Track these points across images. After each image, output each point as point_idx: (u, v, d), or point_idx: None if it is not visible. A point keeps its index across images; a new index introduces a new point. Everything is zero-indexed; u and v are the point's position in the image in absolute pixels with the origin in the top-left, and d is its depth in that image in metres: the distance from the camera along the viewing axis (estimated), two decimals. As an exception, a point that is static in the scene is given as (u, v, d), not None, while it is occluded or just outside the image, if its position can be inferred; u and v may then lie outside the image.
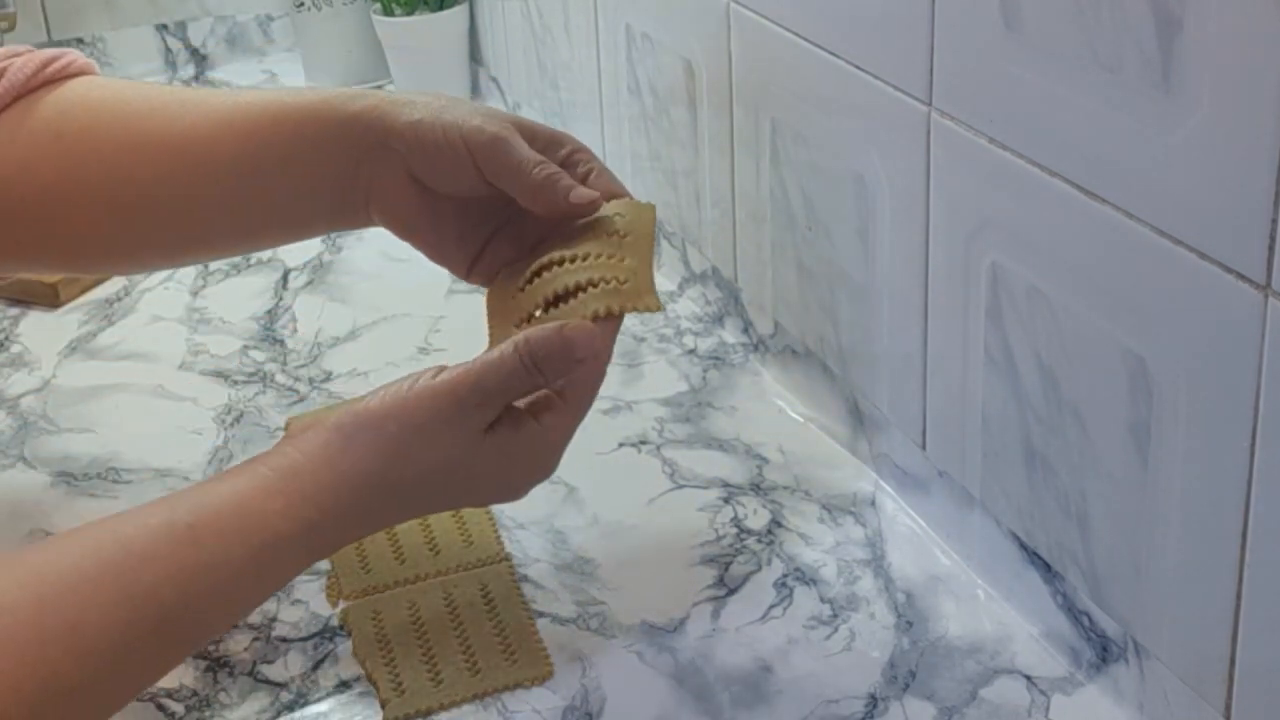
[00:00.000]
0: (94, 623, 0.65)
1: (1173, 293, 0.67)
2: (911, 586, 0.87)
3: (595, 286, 0.79)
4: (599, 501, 0.95)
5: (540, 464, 0.78)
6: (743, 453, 0.99)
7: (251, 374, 1.10)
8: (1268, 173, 0.60)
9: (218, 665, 0.83)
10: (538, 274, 0.81)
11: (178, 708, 0.81)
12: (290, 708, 0.80)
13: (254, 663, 0.83)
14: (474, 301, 1.17)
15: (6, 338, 1.17)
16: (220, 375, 1.11)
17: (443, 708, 0.80)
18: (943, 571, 0.88)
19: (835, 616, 0.85)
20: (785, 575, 0.88)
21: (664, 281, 1.20)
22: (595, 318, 0.77)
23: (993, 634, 0.83)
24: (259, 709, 0.81)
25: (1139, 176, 0.67)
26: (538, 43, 1.38)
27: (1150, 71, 0.65)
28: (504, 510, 0.94)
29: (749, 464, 0.98)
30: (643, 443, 1.00)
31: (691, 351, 1.11)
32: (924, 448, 0.90)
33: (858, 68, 0.88)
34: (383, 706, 0.80)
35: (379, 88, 1.63)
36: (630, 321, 1.14)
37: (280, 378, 1.10)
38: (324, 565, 0.90)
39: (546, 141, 0.84)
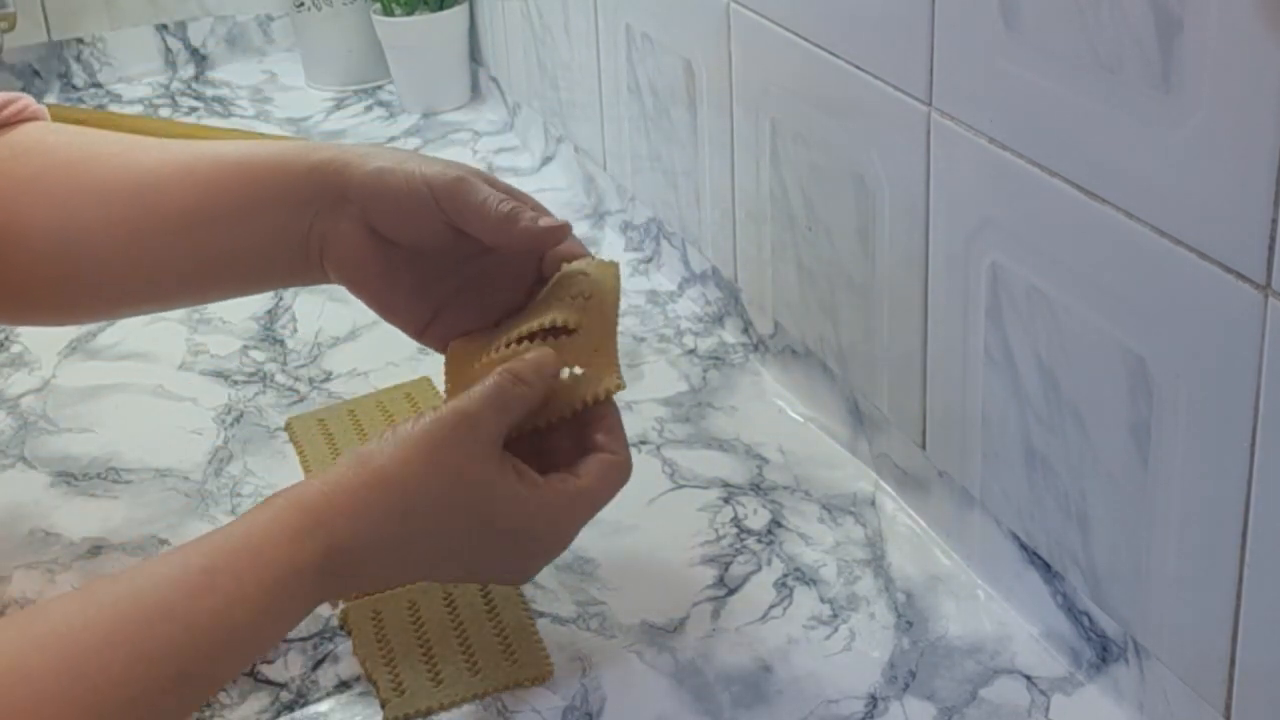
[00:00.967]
0: (114, 683, 0.65)
1: (1173, 293, 0.67)
2: (911, 586, 0.87)
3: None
4: (599, 501, 0.95)
5: (555, 523, 0.77)
6: (743, 453, 0.99)
7: (251, 374, 1.10)
8: (1268, 173, 0.60)
9: (218, 665, 0.83)
10: (503, 346, 0.81)
11: (178, 708, 0.81)
12: (290, 708, 0.80)
13: (254, 663, 0.83)
14: (474, 301, 1.18)
15: (6, 338, 1.17)
16: (220, 375, 1.11)
17: (443, 708, 0.80)
18: (943, 571, 0.88)
19: (835, 616, 0.85)
20: (785, 575, 0.88)
21: (664, 281, 1.20)
22: (561, 419, 0.79)
23: (993, 634, 0.83)
24: (259, 709, 0.81)
25: (1139, 176, 0.67)
26: (538, 43, 1.38)
27: (1150, 71, 0.65)
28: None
29: (749, 464, 0.98)
30: (643, 443, 1.00)
31: (691, 351, 1.11)
32: (924, 448, 0.90)
33: (858, 68, 0.88)
34: (383, 706, 0.80)
35: (379, 88, 1.63)
36: (630, 322, 1.15)
37: (280, 378, 1.10)
38: (324, 565, 0.90)
39: (504, 190, 0.84)
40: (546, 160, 1.42)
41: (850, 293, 0.94)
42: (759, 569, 0.89)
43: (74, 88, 1.66)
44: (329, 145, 0.86)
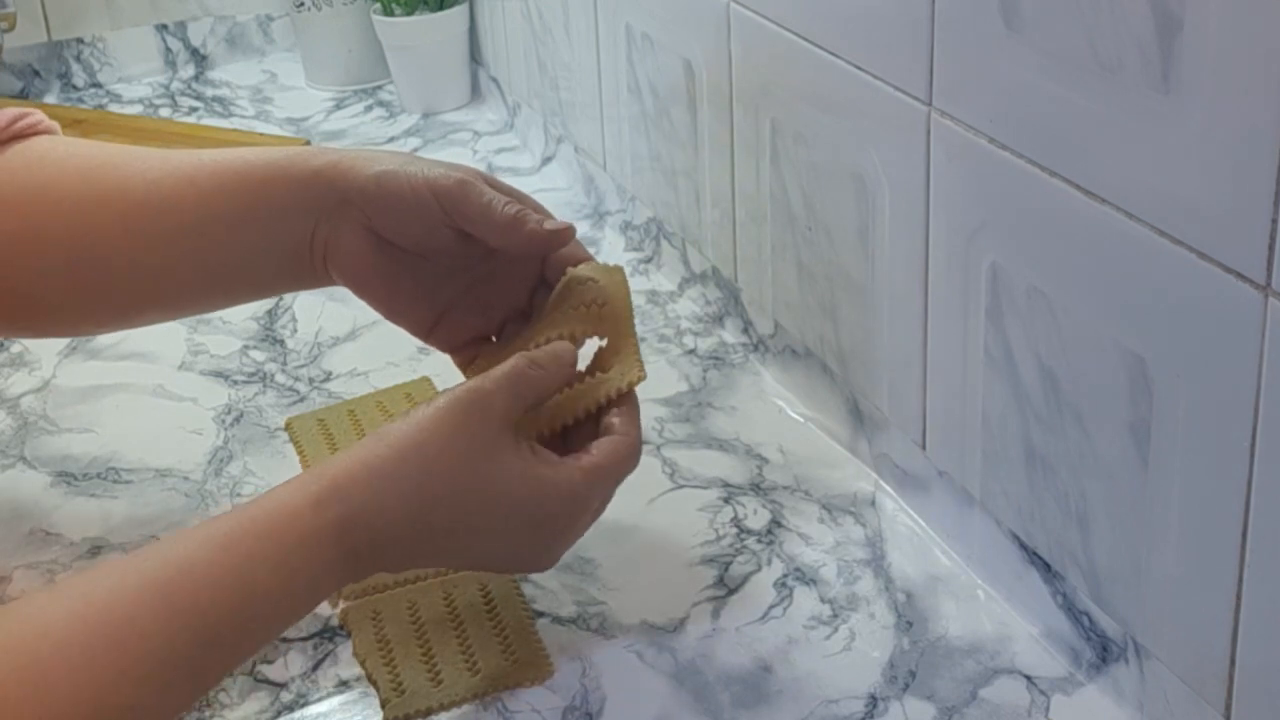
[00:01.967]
0: (138, 638, 0.66)
1: (1173, 293, 0.67)
2: (911, 586, 0.87)
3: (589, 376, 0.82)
4: (599, 501, 0.95)
5: (569, 501, 0.77)
6: (743, 453, 0.99)
7: (251, 374, 1.11)
8: (1268, 173, 0.60)
9: (218, 665, 0.83)
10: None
11: (178, 708, 0.81)
12: (290, 708, 0.80)
13: (254, 663, 0.83)
14: (474, 301, 1.18)
15: (7, 338, 1.17)
16: (220, 375, 1.11)
17: (443, 708, 0.80)
18: (943, 571, 0.88)
19: (835, 616, 0.85)
20: (785, 575, 0.88)
21: (664, 281, 1.20)
22: (587, 413, 0.81)
23: (993, 634, 0.83)
24: (259, 709, 0.81)
25: (1139, 176, 0.67)
26: (538, 43, 1.38)
27: (1150, 71, 0.65)
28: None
29: (749, 464, 0.98)
30: (643, 443, 1.00)
31: (691, 351, 1.11)
32: (924, 448, 0.90)
33: (858, 68, 0.88)
34: (383, 706, 0.80)
35: (379, 88, 1.63)
36: (630, 321, 1.15)
37: (280, 378, 1.10)
38: (324, 565, 0.90)
39: (506, 192, 0.85)
40: (546, 160, 1.42)
41: (850, 293, 0.94)
42: (759, 569, 0.89)
43: (74, 88, 1.66)
44: (330, 150, 0.87)
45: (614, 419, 0.81)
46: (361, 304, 1.20)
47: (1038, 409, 0.78)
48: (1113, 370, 0.72)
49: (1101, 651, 0.78)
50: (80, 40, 1.65)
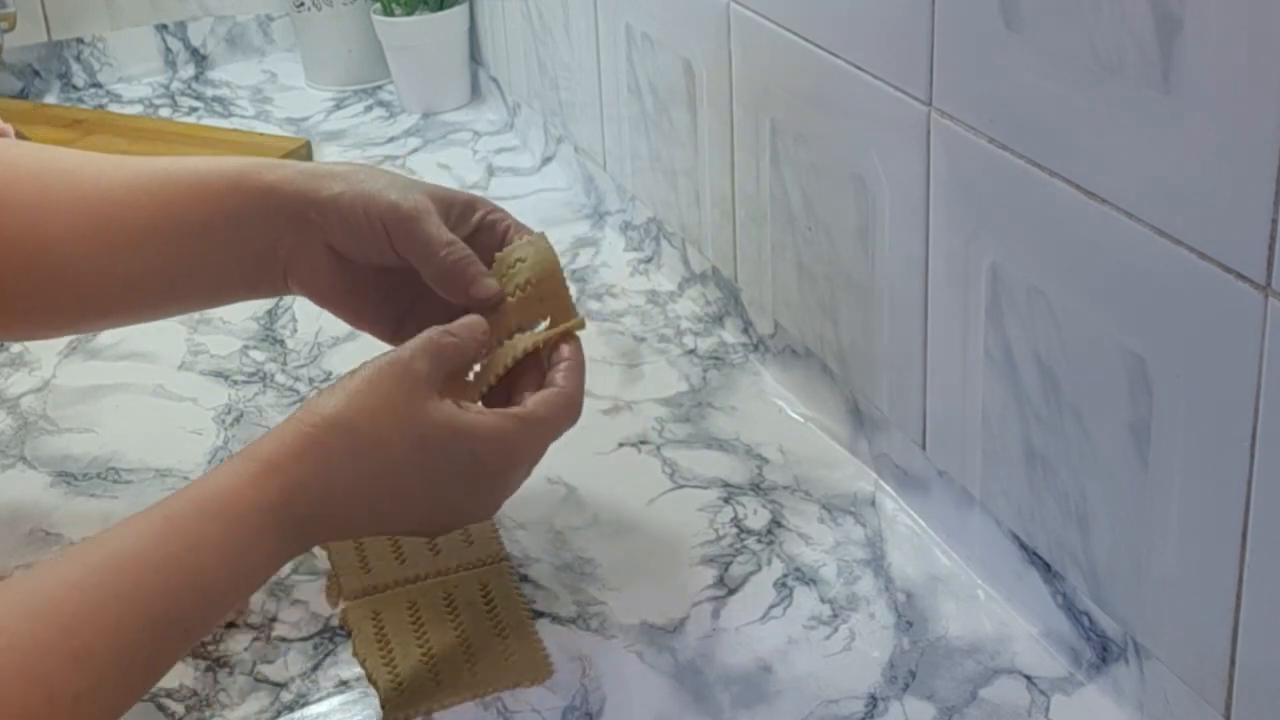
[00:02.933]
0: (87, 624, 0.66)
1: (1173, 293, 0.67)
2: (911, 586, 0.87)
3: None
4: (599, 501, 0.95)
5: (498, 455, 0.78)
6: (743, 453, 0.99)
7: (251, 374, 1.11)
8: (1268, 173, 0.60)
9: (218, 665, 0.83)
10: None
11: (178, 708, 0.81)
12: (290, 708, 0.80)
13: (254, 663, 0.83)
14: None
15: (6, 338, 1.17)
16: (220, 375, 1.11)
17: (443, 708, 0.80)
18: (943, 571, 0.88)
19: (835, 616, 0.85)
20: (785, 575, 0.88)
21: (664, 281, 1.20)
22: (515, 361, 0.83)
23: (993, 634, 0.83)
24: (259, 709, 0.81)
25: (1139, 176, 0.67)
26: (538, 43, 1.38)
27: (1150, 71, 0.65)
28: (504, 510, 0.93)
29: (749, 464, 0.98)
30: (643, 443, 1.00)
31: (691, 351, 1.11)
32: (924, 448, 0.90)
33: (858, 68, 0.88)
34: (383, 707, 0.80)
35: (379, 88, 1.64)
36: (630, 321, 1.15)
37: (280, 378, 1.10)
38: (324, 565, 0.90)
39: (462, 208, 0.87)
40: (546, 160, 1.42)
41: (850, 293, 0.94)
42: (759, 569, 0.89)
43: (74, 88, 1.66)
44: (289, 164, 0.88)
45: (556, 374, 0.82)
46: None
47: (1038, 409, 0.78)
48: (1113, 370, 0.72)
49: (1101, 651, 0.78)
50: (80, 40, 1.65)
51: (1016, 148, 0.75)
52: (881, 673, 0.81)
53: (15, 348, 1.15)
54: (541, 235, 0.88)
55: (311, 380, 1.09)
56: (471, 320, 0.82)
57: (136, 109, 1.61)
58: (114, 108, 1.61)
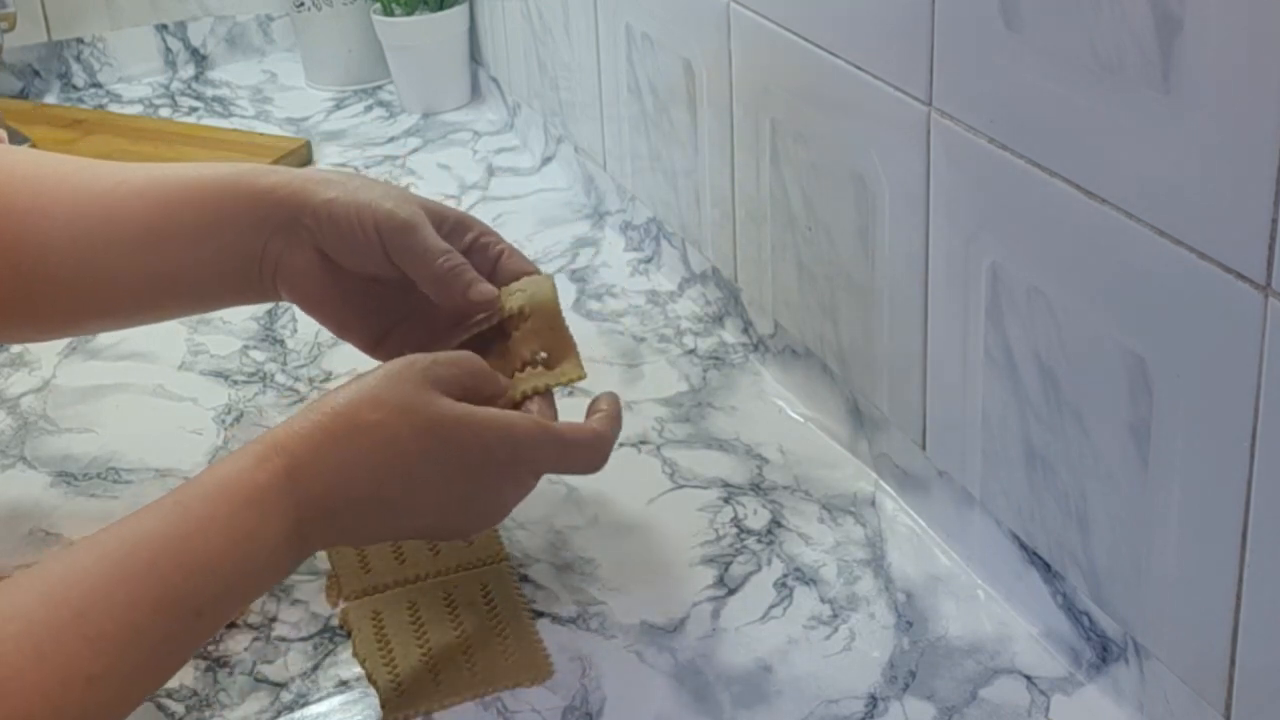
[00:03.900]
0: (99, 606, 0.67)
1: (1173, 293, 0.67)
2: (911, 586, 0.87)
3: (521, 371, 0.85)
4: (599, 501, 0.95)
5: (506, 447, 0.78)
6: (743, 453, 0.99)
7: (251, 374, 1.11)
8: (1268, 173, 0.60)
9: (218, 665, 0.83)
10: None
11: (178, 708, 0.81)
12: (290, 708, 0.80)
13: (254, 663, 0.83)
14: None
15: (6, 338, 1.17)
16: (220, 375, 1.11)
17: (442, 707, 0.80)
18: (943, 571, 0.88)
19: (835, 616, 0.85)
20: (785, 575, 0.88)
21: (664, 281, 1.20)
22: (525, 398, 0.83)
23: (993, 634, 0.83)
24: (259, 709, 0.81)
25: (1139, 176, 0.67)
26: (538, 43, 1.38)
27: (1150, 71, 0.65)
28: (504, 510, 0.94)
29: (749, 464, 0.98)
30: (643, 443, 1.00)
31: (691, 351, 1.11)
32: (924, 448, 0.90)
33: (858, 68, 0.88)
34: (383, 707, 0.80)
35: (379, 88, 1.63)
36: (630, 322, 1.15)
37: (280, 378, 1.10)
38: (324, 565, 0.90)
39: (454, 225, 0.87)
40: (546, 160, 1.42)
41: (850, 293, 0.94)
42: (759, 569, 0.89)
43: (74, 88, 1.66)
44: (282, 170, 0.88)
45: (592, 419, 0.82)
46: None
47: (1038, 409, 0.78)
48: (1113, 370, 0.72)
49: (1101, 651, 0.78)
50: (80, 40, 1.65)
51: (1016, 148, 0.75)
52: (881, 673, 0.81)
53: (15, 348, 1.15)
54: (547, 277, 0.89)
55: (311, 380, 1.09)
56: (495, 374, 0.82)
57: (136, 109, 1.61)
58: (114, 108, 1.61)
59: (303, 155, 1.44)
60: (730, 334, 1.12)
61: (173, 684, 0.82)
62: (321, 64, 1.64)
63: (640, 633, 0.84)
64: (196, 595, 0.70)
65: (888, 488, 0.95)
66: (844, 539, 0.91)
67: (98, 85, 1.67)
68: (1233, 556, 0.67)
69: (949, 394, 0.86)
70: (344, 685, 0.82)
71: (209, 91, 1.65)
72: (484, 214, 1.27)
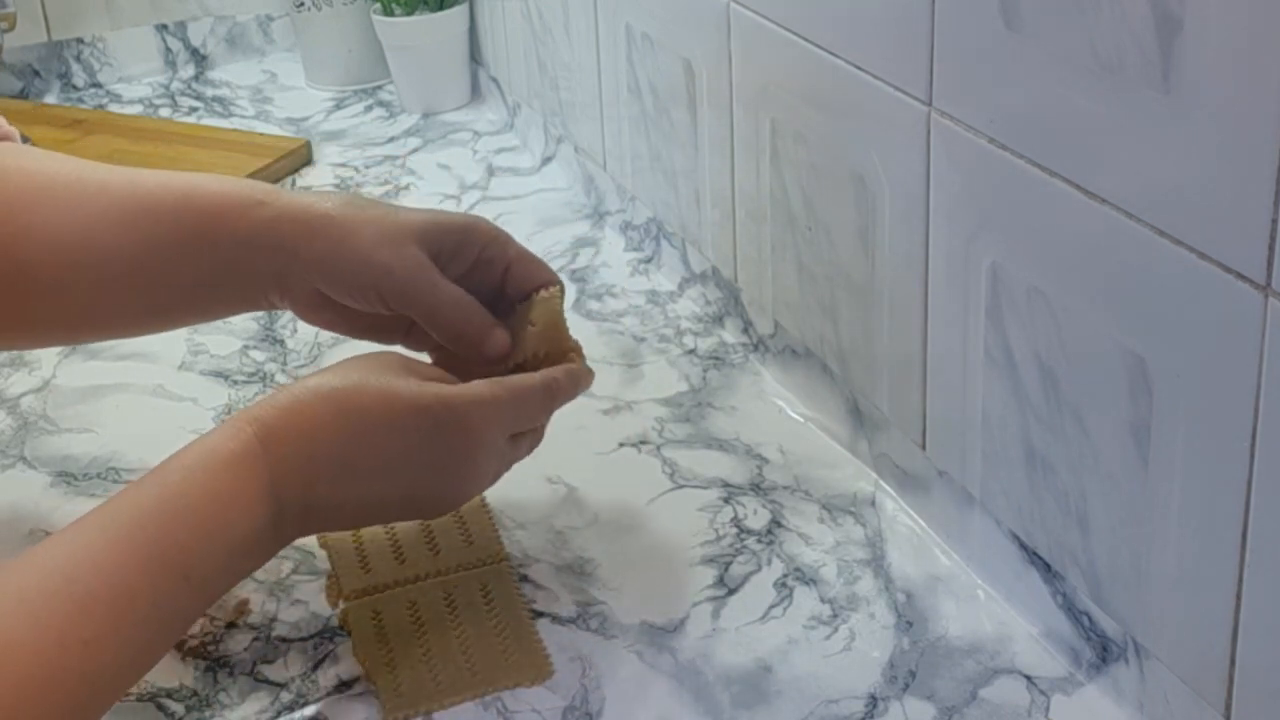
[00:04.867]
0: (88, 569, 0.68)
1: (1173, 293, 0.67)
2: (911, 586, 0.87)
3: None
4: (599, 501, 0.95)
5: (473, 413, 0.79)
6: (743, 453, 0.99)
7: (251, 374, 1.11)
8: (1268, 173, 0.60)
9: (218, 665, 0.83)
10: None
11: (178, 708, 0.81)
12: (290, 708, 0.80)
13: (254, 663, 0.83)
14: (474, 301, 1.17)
15: (6, 338, 1.17)
16: (220, 375, 1.11)
17: (442, 708, 0.80)
18: (943, 571, 0.88)
19: (835, 616, 0.85)
20: (785, 575, 0.88)
21: (664, 281, 1.20)
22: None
23: (993, 634, 0.83)
24: (259, 709, 0.81)
25: (1139, 176, 0.67)
26: (538, 43, 1.38)
27: (1150, 71, 0.65)
28: (504, 510, 0.94)
29: (749, 464, 0.98)
30: (643, 443, 1.00)
31: (691, 351, 1.11)
32: (924, 448, 0.90)
33: (858, 68, 0.88)
34: (383, 707, 0.80)
35: (379, 88, 1.63)
36: (630, 322, 1.15)
37: (280, 378, 1.10)
38: (324, 565, 0.90)
39: (455, 247, 0.85)
40: (546, 160, 1.42)
41: (850, 293, 0.94)
42: (759, 569, 0.89)
43: (74, 88, 1.66)
44: (269, 199, 0.85)
45: (554, 369, 0.84)
46: (361, 304, 1.20)
47: (1038, 409, 0.78)
48: (1113, 370, 0.72)
49: (1101, 651, 0.78)
50: (80, 40, 1.65)
51: (1016, 148, 0.75)
52: (881, 673, 0.81)
53: (15, 348, 1.15)
54: (554, 295, 0.87)
55: (311, 380, 1.09)
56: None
57: (136, 109, 1.61)
58: (114, 108, 1.61)
59: (303, 155, 1.44)
60: (730, 334, 1.12)
61: (173, 684, 0.82)
62: (321, 64, 1.64)
63: (640, 633, 0.84)
64: (183, 555, 0.71)
65: (888, 488, 0.95)
66: (844, 539, 0.91)
67: (98, 85, 1.67)
68: (1233, 556, 0.67)
69: (949, 394, 0.86)
70: (344, 685, 0.82)
71: (209, 91, 1.65)
72: (484, 214, 1.26)
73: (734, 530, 0.92)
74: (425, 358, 0.89)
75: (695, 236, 1.15)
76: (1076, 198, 0.71)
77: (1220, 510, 0.67)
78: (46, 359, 1.14)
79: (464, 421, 0.79)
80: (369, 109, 1.59)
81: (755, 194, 1.04)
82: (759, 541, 0.91)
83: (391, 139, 1.51)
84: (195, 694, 0.81)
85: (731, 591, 0.87)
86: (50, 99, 1.64)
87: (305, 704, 0.81)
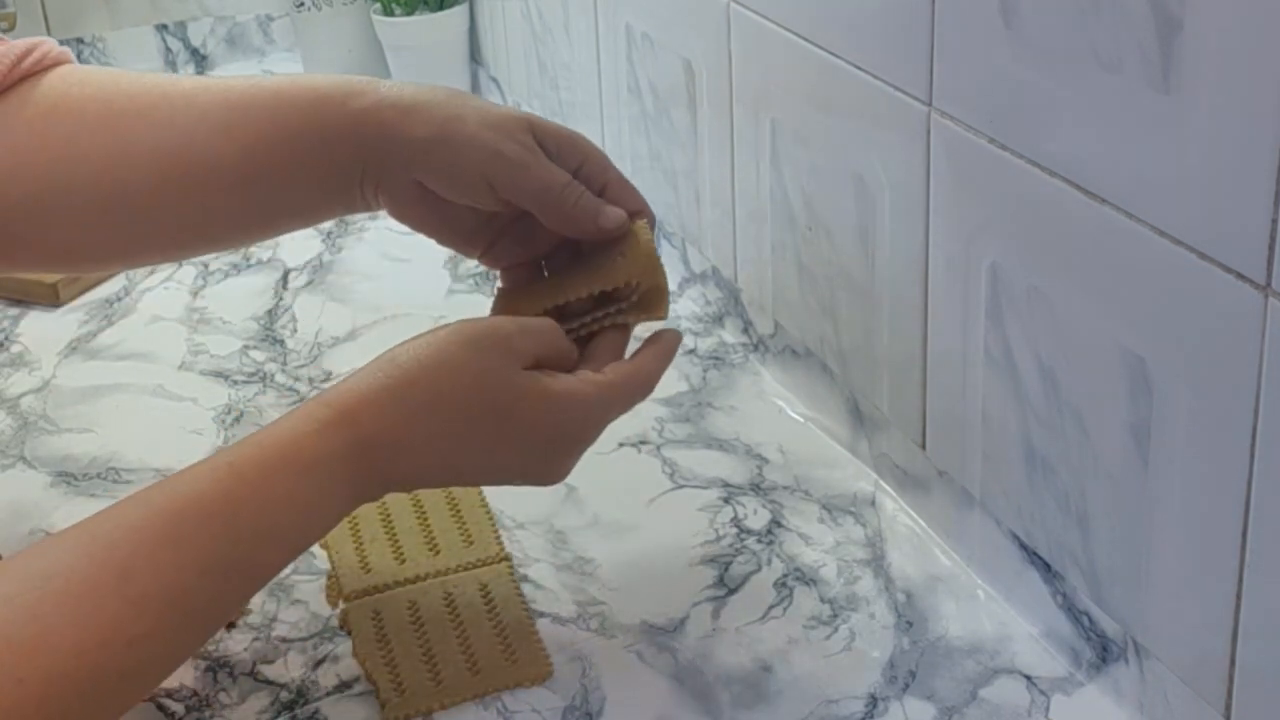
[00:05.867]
0: (143, 568, 0.65)
1: (1173, 293, 0.67)
2: (911, 586, 0.87)
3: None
4: (599, 501, 0.95)
5: (577, 421, 0.77)
6: (743, 453, 0.99)
7: (251, 374, 1.11)
8: (1268, 173, 0.60)
9: (218, 665, 0.83)
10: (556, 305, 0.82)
11: (178, 708, 0.81)
12: (290, 708, 0.80)
13: (254, 663, 0.83)
14: (473, 302, 1.18)
15: (6, 338, 1.17)
16: (220, 375, 1.11)
17: (443, 708, 0.80)
18: (943, 571, 0.88)
19: (835, 616, 0.85)
20: (785, 575, 0.88)
21: (664, 281, 1.20)
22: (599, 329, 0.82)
23: (993, 634, 0.83)
24: (259, 709, 0.81)
25: (1139, 176, 0.67)
26: (538, 43, 1.38)
27: (1150, 71, 0.65)
28: (504, 510, 0.94)
29: (749, 464, 0.98)
30: (643, 443, 1.00)
31: (691, 351, 1.11)
32: (924, 448, 0.90)
33: (858, 68, 0.88)
34: (383, 707, 0.80)
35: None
36: (630, 321, 1.15)
37: (280, 378, 1.10)
38: (324, 565, 0.90)
39: (560, 148, 0.82)
40: (546, 160, 1.41)
41: (850, 293, 0.94)
42: (759, 569, 0.89)
43: (74, 88, 1.66)
44: (368, 89, 0.82)
45: (647, 352, 0.81)
46: (362, 304, 1.20)
47: (1038, 409, 0.78)
48: (1113, 370, 0.72)
49: (1101, 651, 0.78)
50: (80, 40, 1.65)
51: (1016, 148, 0.75)
52: (881, 673, 0.81)
53: (15, 348, 1.15)
54: (644, 225, 0.84)
55: (311, 380, 1.09)
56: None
57: (136, 109, 1.61)
58: (114, 108, 1.61)
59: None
60: (730, 334, 1.12)
61: (172, 684, 0.82)
62: (321, 64, 1.64)
63: (640, 633, 0.84)
64: (248, 561, 0.69)
65: (888, 488, 0.95)
66: (844, 539, 0.91)
67: (98, 85, 1.66)
68: (1233, 556, 0.67)
69: (949, 394, 0.86)
70: (344, 685, 0.82)
71: (209, 91, 1.65)
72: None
73: (734, 530, 0.92)
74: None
75: (695, 236, 1.15)
76: (1076, 197, 0.71)
77: (1220, 510, 0.67)
78: (46, 359, 1.14)
79: (563, 425, 0.76)
80: (369, 109, 1.59)
81: (755, 194, 1.04)
82: (759, 541, 0.91)
83: (391, 139, 1.51)
84: (195, 694, 0.81)
85: (731, 591, 0.87)
86: (50, 99, 1.63)
87: (305, 704, 0.81)
